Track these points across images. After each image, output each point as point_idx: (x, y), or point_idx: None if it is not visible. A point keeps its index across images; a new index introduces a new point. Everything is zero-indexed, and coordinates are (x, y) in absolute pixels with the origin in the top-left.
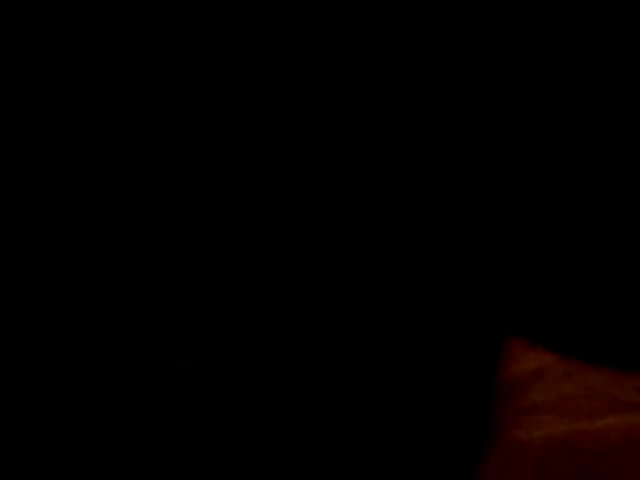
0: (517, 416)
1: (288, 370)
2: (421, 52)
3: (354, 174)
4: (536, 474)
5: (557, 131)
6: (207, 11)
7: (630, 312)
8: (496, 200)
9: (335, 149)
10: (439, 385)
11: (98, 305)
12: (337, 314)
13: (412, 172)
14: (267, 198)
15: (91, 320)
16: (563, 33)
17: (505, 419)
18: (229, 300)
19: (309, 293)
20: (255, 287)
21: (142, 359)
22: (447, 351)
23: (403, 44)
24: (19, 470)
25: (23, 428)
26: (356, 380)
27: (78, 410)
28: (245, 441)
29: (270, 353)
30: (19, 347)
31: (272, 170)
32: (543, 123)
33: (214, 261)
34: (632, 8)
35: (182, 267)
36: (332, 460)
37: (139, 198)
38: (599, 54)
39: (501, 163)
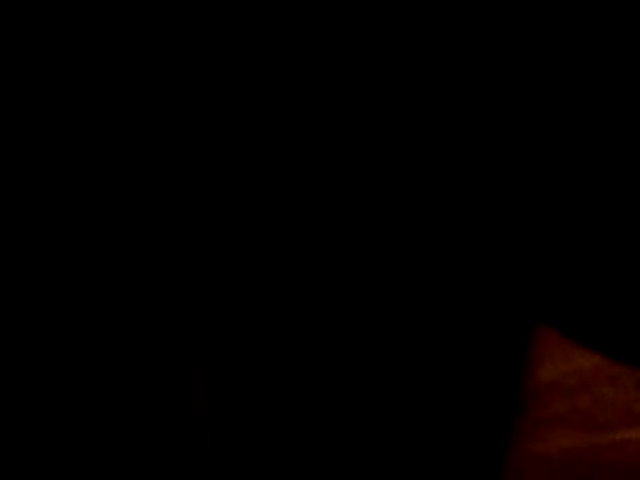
0: (533, 428)
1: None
2: (421, 52)
3: (356, 174)
4: None
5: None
6: (207, 11)
7: None
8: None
9: (335, 149)
10: (457, 392)
11: (103, 307)
12: (347, 317)
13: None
14: (268, 201)
15: (97, 322)
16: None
17: (521, 430)
18: (230, 302)
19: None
20: (261, 289)
21: (151, 360)
22: (467, 357)
23: (403, 44)
24: (19, 470)
25: (24, 428)
26: (371, 388)
27: (83, 411)
28: (249, 442)
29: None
30: (20, 347)
31: (272, 171)
32: (545, 123)
33: (216, 263)
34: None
35: (187, 268)
36: (340, 465)
37: (141, 199)
38: (599, 54)
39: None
